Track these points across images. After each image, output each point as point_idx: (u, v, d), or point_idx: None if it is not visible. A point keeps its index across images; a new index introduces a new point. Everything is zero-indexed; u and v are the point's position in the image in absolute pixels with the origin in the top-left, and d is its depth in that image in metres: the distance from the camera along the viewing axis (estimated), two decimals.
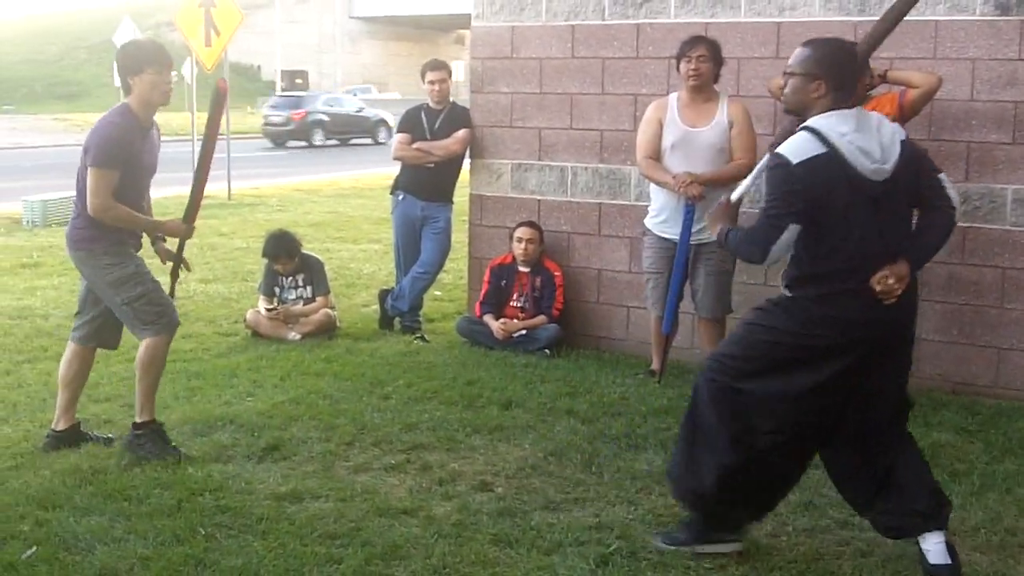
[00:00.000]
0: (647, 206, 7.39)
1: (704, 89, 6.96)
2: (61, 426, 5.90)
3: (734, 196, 4.79)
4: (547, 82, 8.21)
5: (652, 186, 7.20)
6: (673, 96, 7.10)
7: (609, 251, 8.11)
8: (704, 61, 6.89)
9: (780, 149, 4.31)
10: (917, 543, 4.38)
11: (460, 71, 33.65)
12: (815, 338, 4.32)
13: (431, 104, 8.76)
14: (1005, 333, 6.98)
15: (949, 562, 4.30)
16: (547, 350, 7.91)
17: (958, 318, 7.08)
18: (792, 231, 4.24)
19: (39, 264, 12.09)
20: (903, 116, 6.58)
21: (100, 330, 5.94)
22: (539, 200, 8.35)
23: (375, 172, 21.53)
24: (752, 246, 4.41)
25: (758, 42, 7.43)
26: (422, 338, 8.49)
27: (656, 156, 7.03)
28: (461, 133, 8.53)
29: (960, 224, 6.69)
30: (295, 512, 4.97)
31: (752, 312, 4.64)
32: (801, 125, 4.35)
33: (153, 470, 5.46)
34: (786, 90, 4.48)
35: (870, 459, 4.47)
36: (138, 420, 5.68)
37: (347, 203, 19.16)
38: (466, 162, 8.80)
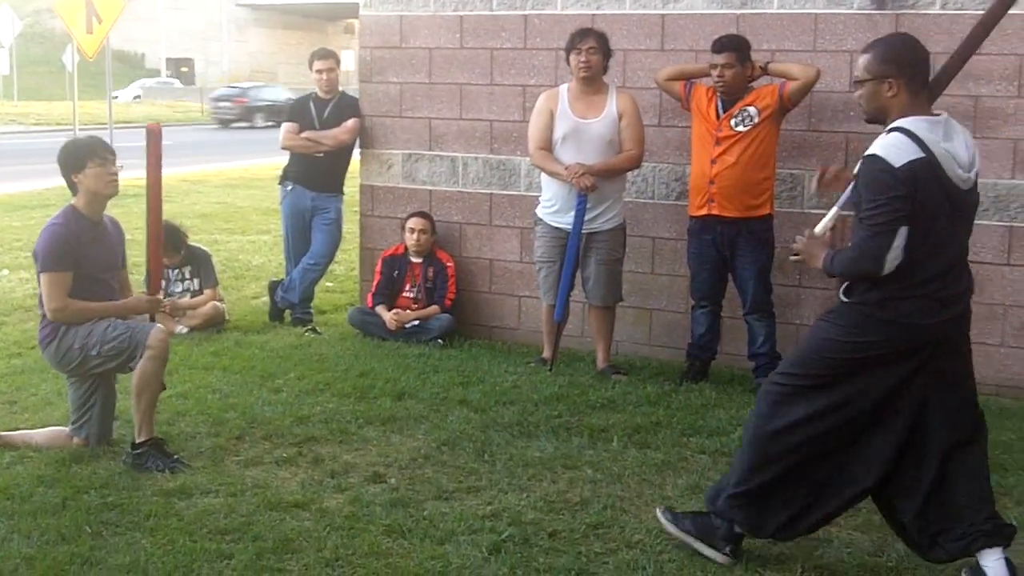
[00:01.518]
0: (538, 196, 7.44)
1: (594, 81, 7.02)
2: None
3: (819, 230, 4.46)
4: (436, 72, 8.20)
5: (544, 176, 7.25)
6: (563, 87, 7.15)
7: (500, 241, 8.14)
8: (594, 53, 6.95)
9: (878, 152, 4.08)
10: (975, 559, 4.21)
11: (350, 61, 33.42)
12: (883, 345, 4.17)
13: (319, 93, 8.69)
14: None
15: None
16: (440, 340, 7.92)
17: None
18: (903, 235, 4.02)
19: None
20: (783, 107, 6.72)
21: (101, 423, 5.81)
22: (430, 190, 8.35)
23: (263, 162, 21.29)
24: (865, 259, 4.11)
25: (644, 34, 7.51)
26: (313, 330, 8.43)
27: (548, 147, 7.08)
28: (350, 123, 8.47)
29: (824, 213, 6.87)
30: (184, 508, 4.91)
31: (819, 326, 4.42)
32: (890, 126, 4.14)
33: (37, 468, 5.36)
34: (862, 102, 4.29)
35: (923, 471, 4.26)
36: (137, 440, 5.51)
37: (235, 193, 18.91)
38: (356, 152, 8.76)
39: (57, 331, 5.55)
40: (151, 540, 4.56)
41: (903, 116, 4.12)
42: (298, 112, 8.70)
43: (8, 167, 23.45)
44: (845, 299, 4.26)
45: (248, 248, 12.72)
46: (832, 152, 7.07)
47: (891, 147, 4.06)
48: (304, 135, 8.54)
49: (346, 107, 8.59)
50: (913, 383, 4.20)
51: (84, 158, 5.54)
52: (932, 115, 4.14)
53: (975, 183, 4.20)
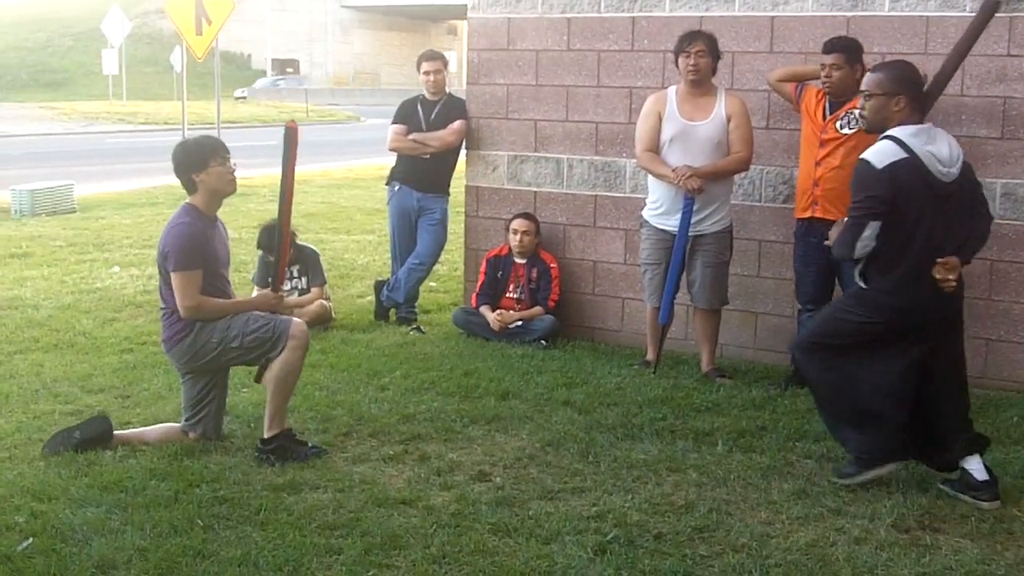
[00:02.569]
0: (643, 198, 7.43)
1: (702, 83, 6.99)
2: None
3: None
4: (543, 74, 8.22)
5: (650, 178, 7.23)
6: (672, 90, 7.12)
7: (605, 243, 8.14)
8: (702, 56, 6.91)
9: (866, 156, 5.06)
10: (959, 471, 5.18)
11: (452, 62, 33.63)
12: (887, 323, 5.15)
13: (426, 95, 8.76)
14: (993, 324, 7.04)
15: (989, 478, 5.12)
16: (543, 341, 7.94)
17: None
18: (873, 227, 5.01)
19: (28, 254, 12.04)
20: None
21: (216, 418, 5.93)
22: (535, 192, 8.37)
23: (368, 162, 21.51)
24: (841, 246, 5.17)
25: (753, 36, 7.46)
26: (418, 329, 8.51)
27: (655, 149, 7.06)
28: (457, 124, 8.54)
29: None
30: (293, 503, 4.99)
31: (834, 306, 5.68)
32: (882, 135, 5.09)
33: (149, 461, 5.48)
34: (866, 112, 5.21)
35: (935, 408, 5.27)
36: (266, 435, 5.62)
37: (340, 193, 19.12)
38: (462, 153, 8.81)
39: (192, 327, 5.65)
40: (261, 534, 4.64)
41: (898, 126, 5.04)
42: (406, 114, 8.77)
43: (117, 165, 24.06)
44: (862, 286, 5.24)
45: (353, 247, 12.87)
46: None
47: (878, 152, 5.03)
48: (411, 137, 8.62)
49: (453, 109, 8.65)
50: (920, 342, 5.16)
51: (206, 157, 5.64)
52: (918, 124, 5.07)
53: (959, 178, 5.07)
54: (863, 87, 5.25)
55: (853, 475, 5.26)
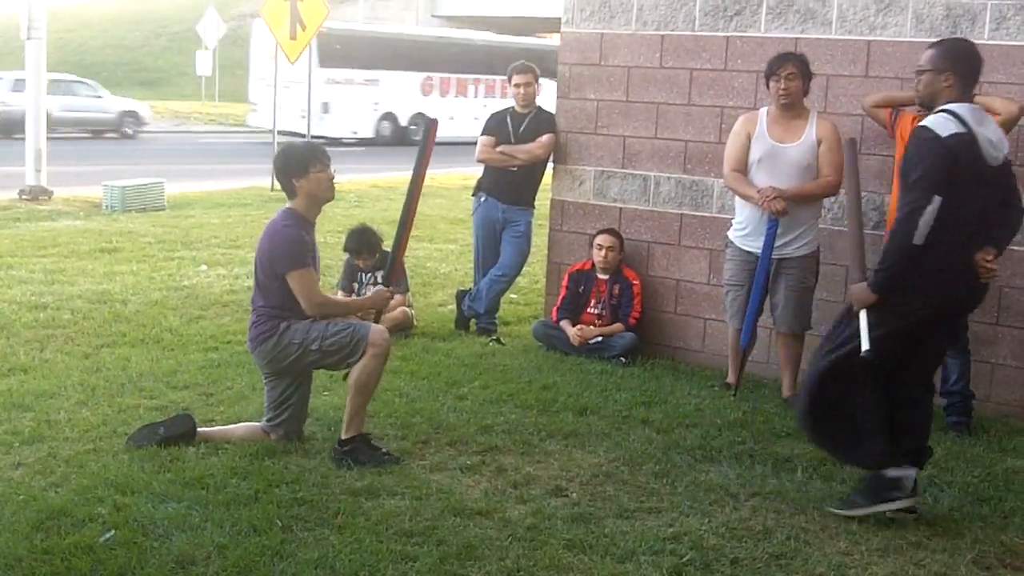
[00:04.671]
0: (729, 219, 7.39)
1: (794, 106, 6.93)
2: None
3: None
4: (634, 90, 8.21)
5: (736, 199, 7.19)
6: (763, 111, 7.08)
7: (689, 262, 8.10)
8: (793, 79, 6.86)
9: (927, 123, 4.95)
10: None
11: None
12: (920, 311, 4.99)
13: (516, 107, 8.79)
14: None
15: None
16: (623, 358, 7.92)
17: None
18: (935, 203, 4.79)
19: (118, 249, 12.26)
20: None
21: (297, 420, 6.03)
22: (620, 208, 8.36)
23: (452, 171, 21.59)
24: (900, 234, 4.88)
25: (848, 60, 7.39)
26: (498, 340, 8.53)
27: (743, 170, 7.02)
28: (545, 138, 8.56)
29: None
30: (371, 508, 5.04)
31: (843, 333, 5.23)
32: (938, 108, 5.02)
33: (231, 459, 5.55)
34: (919, 87, 5.16)
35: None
36: (344, 436, 5.70)
37: (424, 201, 18.95)
38: (549, 167, 8.83)
39: (277, 328, 5.73)
40: (339, 537, 4.68)
41: (953, 104, 4.97)
42: (495, 125, 8.82)
43: (208, 165, 24.40)
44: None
45: (435, 256, 12.92)
46: None
47: (938, 122, 4.92)
48: (499, 149, 8.66)
49: (542, 122, 8.66)
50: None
51: (307, 163, 5.72)
52: (969, 104, 5.03)
53: (1003, 163, 5.04)
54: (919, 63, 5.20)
55: (865, 504, 5.14)
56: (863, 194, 7.28)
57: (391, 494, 5.21)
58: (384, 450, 5.73)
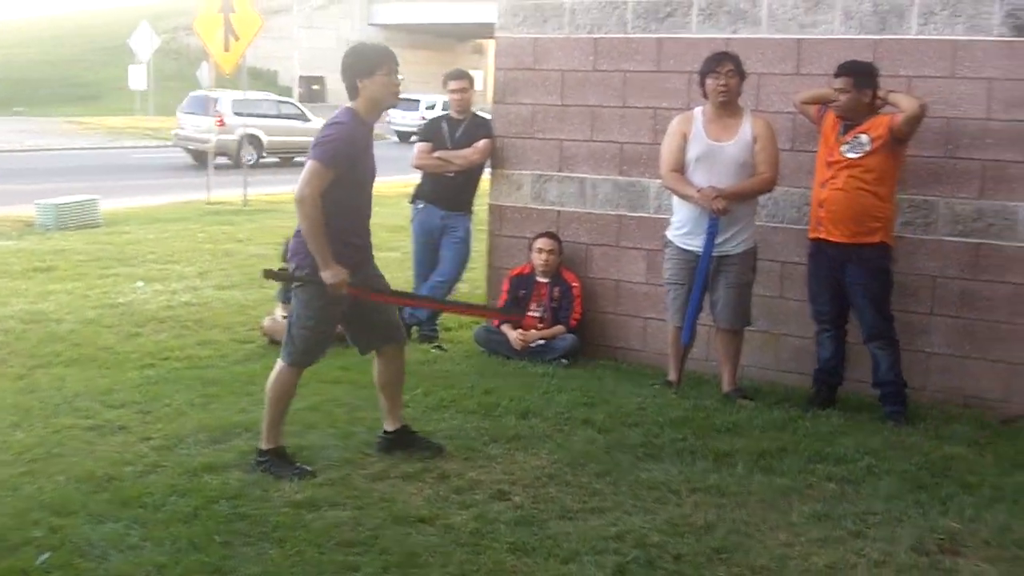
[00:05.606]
0: (666, 218, 7.42)
1: (730, 104, 6.98)
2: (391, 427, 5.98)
3: None
4: (568, 94, 8.23)
5: (675, 199, 7.23)
6: (698, 110, 7.12)
7: (627, 262, 8.13)
8: (732, 76, 6.92)
9: None
10: None
11: (478, 81, 33.72)
12: None
13: (453, 113, 8.80)
14: (1016, 348, 7.00)
15: None
16: (564, 360, 7.94)
17: (970, 332, 7.10)
18: None
19: (52, 268, 12.09)
20: (895, 138, 6.61)
21: (370, 334, 5.96)
22: (558, 211, 8.38)
23: (390, 180, 21.52)
24: None
25: (779, 58, 7.46)
26: (440, 347, 8.52)
27: (680, 169, 7.06)
28: (482, 143, 8.56)
29: (973, 240, 6.80)
30: (312, 520, 4.99)
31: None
32: None
33: (170, 477, 5.48)
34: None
35: None
36: (262, 447, 5.68)
37: None
38: (486, 172, 8.83)
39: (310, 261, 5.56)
40: (280, 551, 4.65)
41: None
42: (431, 132, 8.82)
43: (142, 181, 24.14)
44: None
45: (377, 265, 12.85)
46: (968, 179, 6.95)
47: None
48: (436, 155, 8.65)
49: (478, 128, 8.67)
50: None
51: (375, 65, 5.56)
52: None
53: None
54: None
55: None
56: (797, 190, 7.38)
57: (332, 505, 5.17)
58: (297, 464, 5.65)
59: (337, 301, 5.61)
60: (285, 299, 8.69)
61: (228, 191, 20.22)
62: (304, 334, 5.66)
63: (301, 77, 59.90)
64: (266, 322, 8.69)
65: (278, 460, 5.63)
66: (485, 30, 8.21)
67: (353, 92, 5.59)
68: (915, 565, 4.65)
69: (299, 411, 6.52)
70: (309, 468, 5.63)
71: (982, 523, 5.12)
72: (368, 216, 5.83)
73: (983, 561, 4.72)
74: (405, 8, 61.13)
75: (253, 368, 7.71)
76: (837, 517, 5.13)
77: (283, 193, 19.66)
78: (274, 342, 8.47)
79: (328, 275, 5.50)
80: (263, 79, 60.99)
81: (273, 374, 5.71)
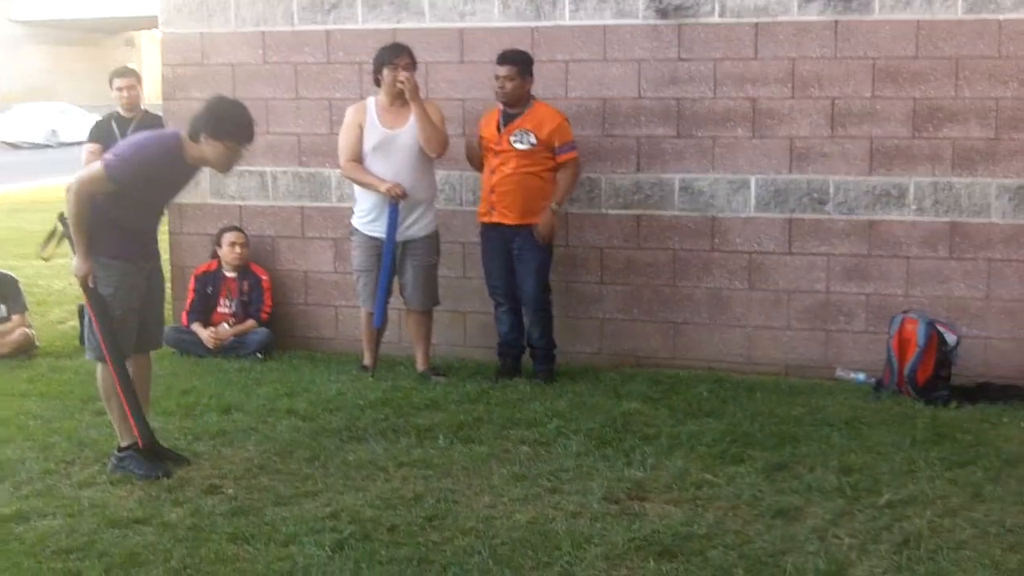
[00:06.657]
0: (350, 207, 7.60)
1: (403, 93, 7.21)
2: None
3: None
4: (240, 88, 8.22)
5: (357, 188, 7.41)
6: (371, 100, 7.33)
7: (314, 253, 8.28)
8: (409, 68, 7.15)
9: None
10: None
11: None
12: None
13: (121, 112, 8.65)
14: (679, 308, 7.64)
15: None
16: (259, 354, 8.01)
17: (637, 297, 7.68)
18: None
19: None
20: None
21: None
22: (240, 205, 8.41)
23: (51, 183, 20.71)
24: None
25: (443, 47, 7.78)
26: None
27: (358, 159, 7.26)
28: None
29: (634, 212, 7.34)
30: (24, 531, 4.91)
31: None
32: None
33: None
34: None
35: None
36: (122, 444, 5.71)
37: (24, 217, 18.27)
38: None
39: None
40: None
41: None
42: (101, 132, 8.61)
43: None
44: None
45: (46, 273, 12.34)
46: (626, 155, 7.50)
47: None
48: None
49: (149, 125, 8.48)
50: None
51: (225, 135, 5.50)
52: None
53: None
54: None
55: None
56: (472, 174, 7.72)
57: (42, 515, 5.08)
58: (163, 463, 5.67)
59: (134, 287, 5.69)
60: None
61: None
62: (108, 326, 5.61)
63: None
64: None
65: (136, 457, 5.65)
66: (138, 23, 7.98)
67: (195, 136, 5.51)
68: (607, 513, 5.06)
69: None
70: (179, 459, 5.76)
71: (663, 470, 5.61)
72: (152, 230, 5.92)
73: (667, 503, 5.19)
74: (50, 2, 58.33)
75: None
76: (533, 476, 5.51)
77: None
78: None
79: (80, 271, 5.65)
80: None
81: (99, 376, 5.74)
